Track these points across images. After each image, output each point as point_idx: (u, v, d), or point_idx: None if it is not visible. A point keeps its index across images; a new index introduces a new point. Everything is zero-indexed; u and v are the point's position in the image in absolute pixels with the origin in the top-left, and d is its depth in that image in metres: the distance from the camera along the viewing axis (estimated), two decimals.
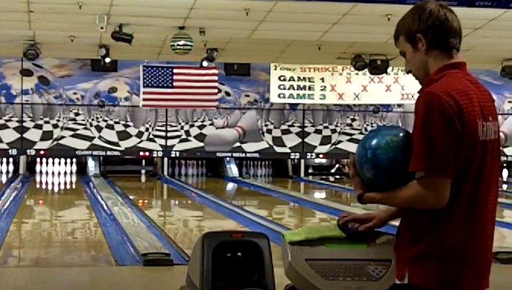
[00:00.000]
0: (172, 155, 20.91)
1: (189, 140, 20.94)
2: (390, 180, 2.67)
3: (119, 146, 20.55)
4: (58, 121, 20.33)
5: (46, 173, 20.65)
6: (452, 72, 2.71)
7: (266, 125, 21.44)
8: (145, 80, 19.47)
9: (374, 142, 2.71)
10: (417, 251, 2.65)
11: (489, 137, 2.68)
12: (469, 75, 2.74)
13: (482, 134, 2.65)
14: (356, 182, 2.80)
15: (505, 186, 19.58)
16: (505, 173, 21.91)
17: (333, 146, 21.69)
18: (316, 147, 21.62)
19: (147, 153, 20.70)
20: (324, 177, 21.85)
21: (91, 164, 20.66)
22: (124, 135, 20.62)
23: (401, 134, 2.71)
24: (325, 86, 20.77)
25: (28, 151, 20.15)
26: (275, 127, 21.50)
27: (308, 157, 21.65)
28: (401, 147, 2.66)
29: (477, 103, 2.66)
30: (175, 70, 19.48)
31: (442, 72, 2.71)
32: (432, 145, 2.57)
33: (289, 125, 21.59)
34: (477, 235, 2.67)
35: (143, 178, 21.15)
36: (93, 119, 20.51)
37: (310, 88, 20.72)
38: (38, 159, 20.61)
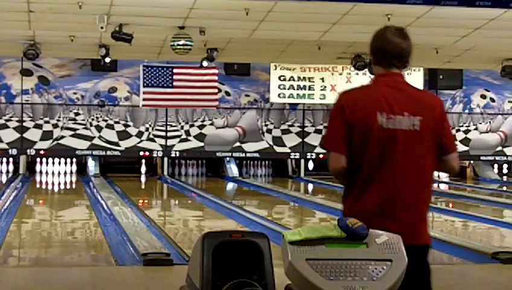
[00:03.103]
0: (172, 155, 20.91)
1: (189, 140, 20.94)
2: None
3: (119, 146, 20.55)
4: (58, 120, 20.32)
5: (46, 172, 20.65)
6: (377, 80, 3.47)
7: (266, 125, 21.43)
8: (145, 80, 19.48)
9: None
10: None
11: (401, 127, 3.30)
12: (393, 81, 3.42)
13: (385, 123, 3.30)
14: None
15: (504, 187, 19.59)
16: (505, 172, 21.99)
17: None
18: (316, 147, 21.62)
19: (147, 153, 20.71)
20: (324, 177, 21.80)
21: (91, 163, 20.65)
22: (124, 135, 20.61)
23: None
24: (325, 86, 20.77)
25: (28, 151, 20.15)
26: (275, 127, 21.49)
27: (308, 157, 21.65)
28: None
29: (382, 98, 3.35)
30: (175, 70, 19.49)
31: (371, 81, 3.49)
32: (328, 128, 3.42)
33: (289, 125, 21.58)
34: (390, 200, 3.26)
35: (143, 178, 21.14)
36: (93, 119, 20.51)
37: (310, 88, 20.72)
38: (38, 159, 20.60)
